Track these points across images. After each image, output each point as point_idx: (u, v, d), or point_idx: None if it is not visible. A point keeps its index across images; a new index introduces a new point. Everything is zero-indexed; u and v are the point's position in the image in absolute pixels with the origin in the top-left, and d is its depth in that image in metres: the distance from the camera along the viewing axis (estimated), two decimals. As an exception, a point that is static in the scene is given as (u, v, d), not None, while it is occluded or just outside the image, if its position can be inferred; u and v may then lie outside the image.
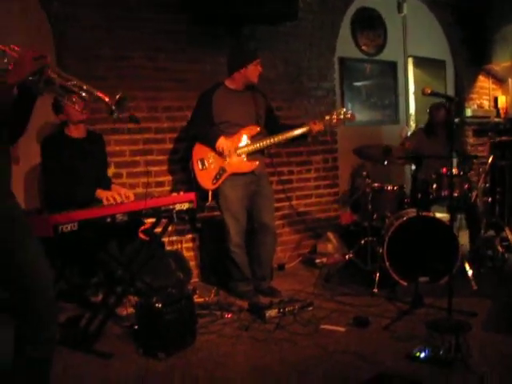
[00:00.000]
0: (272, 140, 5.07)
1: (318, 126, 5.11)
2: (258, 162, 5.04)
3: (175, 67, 5.65)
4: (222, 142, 4.90)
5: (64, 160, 4.42)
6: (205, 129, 4.97)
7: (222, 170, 4.97)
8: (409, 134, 7.10)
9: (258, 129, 5.06)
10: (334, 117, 5.18)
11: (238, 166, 4.99)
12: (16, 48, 2.82)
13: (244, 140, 5.01)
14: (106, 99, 3.06)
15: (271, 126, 5.22)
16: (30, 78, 2.73)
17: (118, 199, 4.29)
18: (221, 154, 4.93)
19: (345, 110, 5.29)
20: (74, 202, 4.04)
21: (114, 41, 5.26)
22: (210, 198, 5.02)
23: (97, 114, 4.89)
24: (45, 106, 4.29)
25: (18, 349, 2.79)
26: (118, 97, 3.08)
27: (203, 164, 5.00)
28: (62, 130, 4.54)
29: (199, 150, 5.03)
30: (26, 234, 2.78)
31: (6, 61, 2.79)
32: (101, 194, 4.34)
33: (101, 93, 3.07)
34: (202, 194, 4.93)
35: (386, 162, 5.46)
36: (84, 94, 3.08)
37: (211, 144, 4.92)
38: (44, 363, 2.86)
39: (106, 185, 4.64)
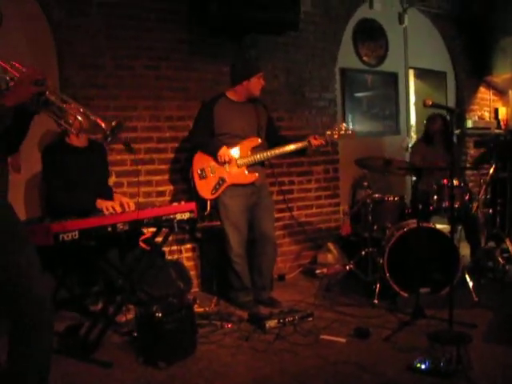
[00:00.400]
0: (272, 153, 5.08)
1: (318, 141, 5.11)
2: (257, 174, 5.04)
3: (177, 76, 5.67)
4: (225, 152, 4.90)
5: (65, 168, 4.43)
6: (206, 139, 4.98)
7: (222, 181, 4.97)
8: (410, 145, 7.11)
9: (259, 140, 5.07)
10: (336, 132, 5.18)
11: (237, 177, 4.99)
12: (17, 65, 2.81)
13: (245, 151, 5.01)
14: (103, 125, 3.05)
15: (271, 137, 5.24)
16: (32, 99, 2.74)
17: (118, 209, 4.29)
18: (222, 163, 4.93)
19: (346, 126, 5.30)
20: (74, 210, 4.04)
21: (115, 49, 5.28)
22: (208, 208, 5.02)
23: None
24: (46, 115, 4.29)
25: (11, 355, 2.78)
26: (114, 123, 3.07)
27: (203, 174, 5.00)
28: (63, 138, 4.55)
29: (199, 160, 5.03)
30: (20, 241, 2.77)
31: (7, 78, 2.79)
32: (101, 203, 4.33)
33: (97, 118, 3.06)
34: (200, 203, 4.93)
35: (386, 174, 5.48)
36: (80, 119, 3.09)
37: (213, 153, 4.93)
38: (39, 372, 2.83)
39: (107, 194, 4.65)
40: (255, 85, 4.97)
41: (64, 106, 3.00)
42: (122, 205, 4.41)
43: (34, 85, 2.70)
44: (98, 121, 3.06)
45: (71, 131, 3.50)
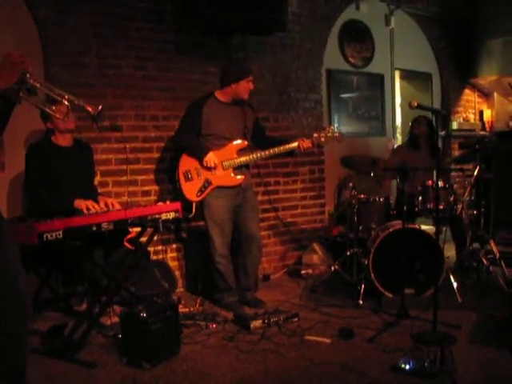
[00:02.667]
0: (259, 155, 5.07)
1: (306, 144, 5.11)
2: (243, 176, 5.04)
3: (163, 76, 5.65)
4: (211, 157, 4.89)
5: (49, 168, 4.39)
6: (193, 140, 4.96)
7: (208, 183, 4.96)
8: (395, 146, 7.14)
9: (246, 143, 5.06)
10: (323, 135, 5.19)
11: (223, 179, 4.98)
12: None
13: (231, 154, 5.00)
14: (90, 109, 3.08)
15: (258, 138, 5.23)
16: (13, 87, 2.72)
17: (98, 208, 4.26)
18: (208, 168, 4.92)
19: (333, 128, 5.30)
20: (57, 210, 4.02)
21: (102, 48, 5.26)
22: (193, 210, 5.01)
23: (83, 122, 4.88)
24: (33, 113, 4.27)
25: None
26: (99, 107, 3.10)
27: (188, 176, 4.98)
28: (49, 137, 4.51)
29: (185, 162, 5.01)
30: (5, 240, 2.74)
31: None
32: (79, 203, 4.26)
33: (83, 102, 3.08)
34: (186, 205, 4.91)
35: (372, 174, 5.49)
36: (66, 103, 3.09)
37: (199, 157, 4.92)
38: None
39: (92, 194, 4.61)
40: (244, 88, 4.95)
41: (49, 92, 2.99)
42: (106, 205, 4.39)
43: (18, 71, 2.70)
44: (85, 105, 3.08)
45: (57, 117, 3.48)
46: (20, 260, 2.80)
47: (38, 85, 2.90)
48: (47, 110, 3.16)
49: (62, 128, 4.44)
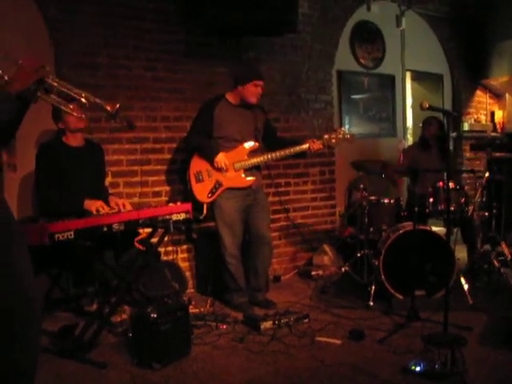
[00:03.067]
0: (270, 156, 5.07)
1: (316, 145, 5.10)
2: (254, 178, 5.04)
3: (173, 77, 5.66)
4: (221, 158, 4.89)
5: (59, 168, 4.41)
6: (204, 141, 4.97)
7: (219, 184, 4.96)
8: (406, 147, 7.12)
9: (256, 144, 5.06)
10: (334, 136, 5.17)
11: (234, 181, 4.99)
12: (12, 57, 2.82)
13: (242, 156, 5.01)
14: (108, 108, 3.11)
15: (269, 139, 5.24)
16: (30, 87, 2.74)
17: (108, 210, 4.27)
18: (218, 170, 4.93)
19: (344, 130, 5.29)
20: (67, 210, 4.04)
21: (112, 50, 5.27)
22: (204, 211, 5.02)
23: (94, 124, 4.89)
24: (44, 114, 4.30)
25: None
26: (118, 105, 3.13)
27: (199, 177, 4.99)
28: (60, 137, 4.53)
29: (196, 163, 5.02)
30: (13, 239, 2.75)
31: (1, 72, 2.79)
32: (89, 205, 4.27)
33: (101, 100, 3.10)
34: (197, 206, 4.92)
35: (383, 176, 5.48)
36: (84, 101, 3.10)
37: (209, 158, 4.92)
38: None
39: (103, 195, 4.62)
40: (250, 92, 4.93)
41: (67, 91, 3.01)
42: (117, 205, 4.41)
43: (35, 71, 2.72)
44: (103, 103, 3.10)
45: (75, 115, 3.51)
46: (29, 261, 2.80)
47: (55, 84, 2.92)
48: (63, 107, 3.17)
49: (72, 127, 4.46)
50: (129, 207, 4.45)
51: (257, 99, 5.00)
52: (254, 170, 5.10)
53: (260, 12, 5.49)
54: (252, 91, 4.93)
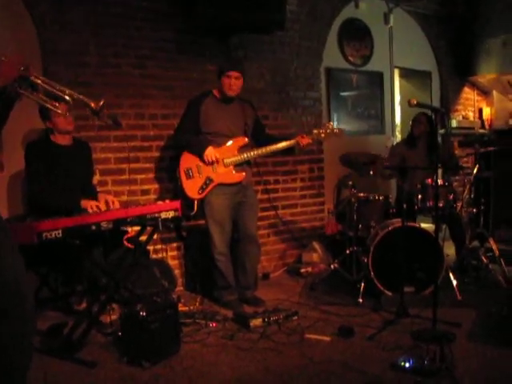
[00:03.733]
0: (259, 151, 5.07)
1: (305, 140, 5.10)
2: (244, 173, 5.04)
3: (162, 75, 5.65)
4: (211, 152, 4.89)
5: (48, 166, 4.39)
6: (192, 138, 4.96)
7: (209, 180, 4.96)
8: (394, 144, 7.14)
9: (246, 140, 5.06)
10: (322, 131, 5.19)
11: (225, 176, 4.98)
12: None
13: (232, 151, 5.00)
14: (92, 104, 3.11)
15: (258, 135, 5.23)
16: (12, 83, 2.73)
17: (103, 208, 4.28)
18: (208, 164, 4.92)
19: (333, 125, 5.30)
20: (56, 209, 4.03)
21: (101, 47, 5.26)
22: (195, 208, 5.01)
23: (82, 122, 4.87)
24: (30, 112, 4.27)
25: None
26: (101, 102, 3.14)
27: (189, 173, 4.98)
28: (47, 135, 4.51)
29: (186, 160, 5.01)
30: (4, 237, 2.73)
31: None
32: (85, 203, 4.28)
33: (85, 98, 3.11)
34: (187, 203, 4.91)
35: (371, 173, 5.49)
36: (68, 98, 3.09)
37: (199, 153, 4.91)
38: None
39: (91, 193, 4.62)
40: (225, 84, 4.91)
41: (50, 88, 3.00)
42: (107, 203, 4.40)
43: (17, 68, 2.71)
44: (86, 100, 3.10)
45: (59, 113, 3.49)
46: (21, 258, 2.79)
47: (39, 81, 2.91)
48: (48, 105, 3.16)
49: (61, 128, 4.44)
50: (117, 204, 4.44)
51: (234, 91, 4.95)
52: (245, 165, 5.10)
53: (249, 10, 5.50)
54: (226, 83, 4.91)
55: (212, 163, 4.91)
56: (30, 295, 2.86)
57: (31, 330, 2.83)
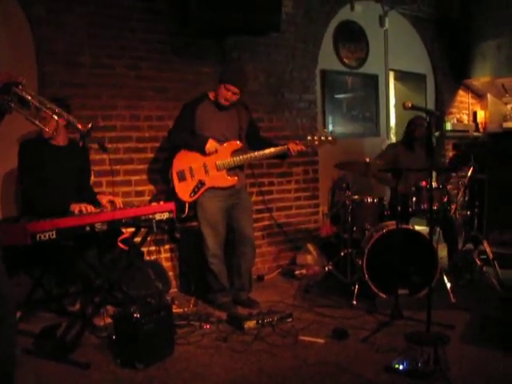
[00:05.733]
0: (252, 156, 5.07)
1: (298, 147, 5.09)
2: (237, 178, 5.04)
3: (157, 76, 5.64)
4: (212, 144, 4.89)
5: (41, 166, 4.37)
6: (188, 136, 4.94)
7: (201, 184, 4.95)
8: (389, 143, 7.16)
9: (240, 144, 5.06)
10: (316, 138, 5.17)
11: (217, 180, 4.98)
12: None
13: (225, 155, 5.00)
14: (79, 126, 3.11)
15: (252, 138, 5.23)
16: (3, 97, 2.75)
17: (90, 209, 4.23)
18: (212, 154, 4.91)
19: (327, 132, 5.31)
20: (50, 209, 4.01)
21: (96, 48, 5.25)
22: (186, 211, 5.00)
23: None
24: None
25: None
26: (89, 125, 3.14)
27: (182, 176, 4.97)
28: (42, 135, 4.47)
29: (179, 162, 5.00)
30: None
31: None
32: (74, 207, 4.22)
33: (73, 119, 3.11)
34: (179, 205, 4.90)
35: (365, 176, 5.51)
36: (56, 118, 3.10)
37: (200, 147, 4.90)
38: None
39: (89, 195, 4.61)
40: (221, 93, 4.90)
41: (39, 105, 3.00)
42: (112, 203, 4.41)
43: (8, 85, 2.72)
44: (74, 122, 3.09)
45: (46, 131, 3.47)
46: (1, 262, 2.77)
47: (29, 97, 2.91)
48: (37, 123, 3.14)
49: (46, 136, 4.34)
50: (120, 204, 4.45)
51: (227, 103, 4.94)
52: (237, 169, 5.09)
53: (244, 12, 5.50)
54: (223, 93, 4.90)
55: (215, 152, 4.91)
56: (11, 294, 2.84)
57: (11, 327, 2.82)
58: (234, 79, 4.92)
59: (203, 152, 4.90)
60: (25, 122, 4.59)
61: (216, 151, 4.92)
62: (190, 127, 4.95)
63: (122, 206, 4.45)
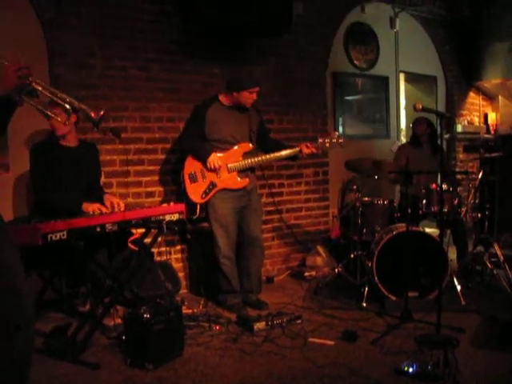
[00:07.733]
0: (263, 158, 5.09)
1: (309, 149, 5.11)
2: (248, 179, 5.05)
3: (168, 78, 5.66)
4: (214, 159, 4.89)
5: (53, 167, 4.39)
6: (196, 143, 4.96)
7: (212, 185, 4.96)
8: (399, 145, 7.16)
9: (251, 146, 5.07)
10: (327, 140, 5.18)
11: (228, 182, 4.99)
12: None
13: (236, 157, 5.01)
14: (92, 114, 3.10)
15: (262, 140, 5.24)
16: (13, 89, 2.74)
17: (104, 210, 4.26)
18: (212, 170, 4.93)
19: (338, 134, 5.30)
20: (61, 210, 4.03)
21: (106, 50, 5.27)
22: (197, 212, 5.01)
23: (88, 123, 4.87)
24: (36, 113, 4.27)
25: None
26: (102, 112, 3.13)
27: (193, 178, 4.98)
28: (54, 137, 4.50)
29: (190, 164, 5.01)
30: (3, 237, 2.73)
31: None
32: (87, 207, 4.27)
33: (85, 107, 3.10)
34: (190, 207, 4.92)
35: (376, 177, 5.50)
36: (68, 107, 3.10)
37: (202, 159, 4.92)
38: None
39: (98, 195, 4.62)
40: (245, 98, 4.93)
41: (50, 95, 3.00)
42: (112, 205, 4.40)
43: (18, 74, 2.71)
44: (87, 110, 3.09)
45: (58, 121, 3.47)
46: (19, 257, 2.78)
47: (39, 88, 2.91)
48: (48, 112, 3.16)
49: (57, 133, 4.42)
50: (122, 207, 4.44)
51: (251, 104, 5.02)
52: (249, 171, 5.10)
53: (255, 13, 5.51)
54: (247, 97, 4.93)
55: (215, 170, 4.92)
56: (30, 293, 2.85)
57: (31, 329, 2.82)
58: (252, 82, 4.96)
59: (205, 165, 4.92)
60: (35, 124, 4.70)
61: (218, 168, 4.91)
62: (200, 131, 4.95)
63: (122, 208, 4.43)
